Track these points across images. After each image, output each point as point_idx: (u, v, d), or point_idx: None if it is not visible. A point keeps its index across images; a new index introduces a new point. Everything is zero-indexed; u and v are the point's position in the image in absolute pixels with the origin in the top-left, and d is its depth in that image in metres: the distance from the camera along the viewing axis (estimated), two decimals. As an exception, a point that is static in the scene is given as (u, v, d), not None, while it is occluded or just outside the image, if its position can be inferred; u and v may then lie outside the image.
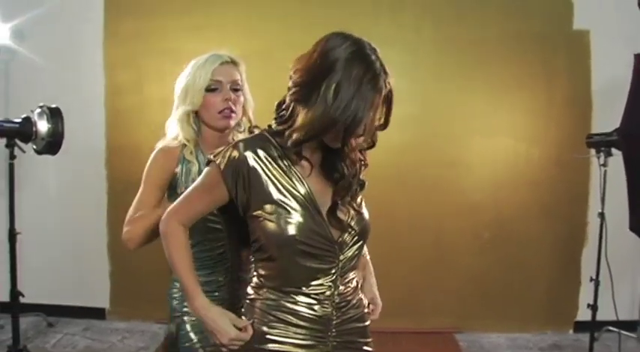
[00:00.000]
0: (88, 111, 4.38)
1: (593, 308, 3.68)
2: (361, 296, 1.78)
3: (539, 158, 4.45)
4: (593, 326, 3.71)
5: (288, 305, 1.62)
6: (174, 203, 1.71)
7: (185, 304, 2.03)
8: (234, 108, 2.08)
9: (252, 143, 1.61)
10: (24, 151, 3.24)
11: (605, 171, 3.66)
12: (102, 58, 4.43)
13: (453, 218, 4.47)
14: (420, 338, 4.31)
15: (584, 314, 4.15)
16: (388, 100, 1.56)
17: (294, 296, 1.62)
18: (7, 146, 3.19)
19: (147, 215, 2.01)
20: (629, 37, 4.21)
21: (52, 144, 3.14)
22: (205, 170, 1.65)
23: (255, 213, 1.59)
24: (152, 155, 2.11)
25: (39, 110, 3.14)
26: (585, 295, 4.25)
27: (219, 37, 4.35)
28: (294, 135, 1.53)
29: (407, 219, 4.39)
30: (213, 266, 2.13)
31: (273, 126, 1.64)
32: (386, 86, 1.52)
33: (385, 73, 1.51)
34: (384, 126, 1.59)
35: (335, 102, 1.45)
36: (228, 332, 1.59)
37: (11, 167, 3.27)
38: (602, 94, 4.36)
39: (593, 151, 3.77)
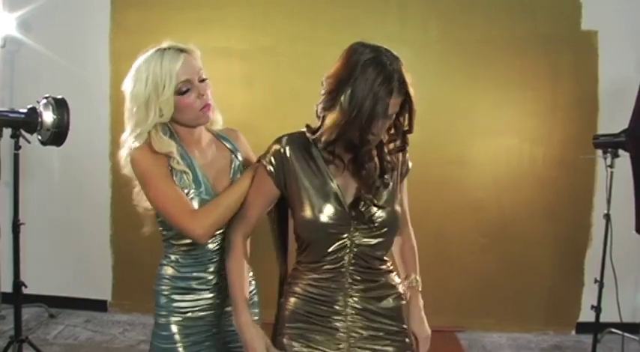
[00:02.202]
0: (93, 103, 4.38)
1: (597, 309, 3.67)
2: (395, 283, 1.91)
3: (543, 158, 4.44)
4: (596, 328, 3.70)
5: (313, 271, 1.83)
6: (237, 215, 1.88)
7: (174, 304, 2.00)
8: (209, 101, 1.95)
9: (292, 139, 1.81)
10: (29, 142, 3.24)
11: (612, 173, 3.65)
12: (107, 49, 4.43)
13: (456, 217, 4.47)
14: (422, 336, 4.28)
15: (586, 316, 4.16)
16: (409, 107, 1.68)
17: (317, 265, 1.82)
18: (12, 136, 3.18)
19: (219, 204, 1.87)
20: (637, 38, 4.20)
21: (58, 135, 3.14)
22: (255, 172, 1.86)
23: (291, 202, 1.81)
24: (136, 156, 1.89)
25: (44, 101, 3.13)
26: (588, 296, 4.25)
27: (225, 30, 4.37)
28: (323, 138, 1.71)
29: (410, 216, 4.38)
30: (207, 264, 2.04)
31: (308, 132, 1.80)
32: (400, 91, 1.62)
33: (402, 80, 1.62)
34: (410, 130, 1.75)
35: (351, 104, 1.60)
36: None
37: (16, 157, 3.27)
38: (609, 95, 4.34)
39: (599, 152, 3.76)
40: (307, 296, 1.82)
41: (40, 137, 3.19)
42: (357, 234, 1.76)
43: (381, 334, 1.82)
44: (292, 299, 1.86)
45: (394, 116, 1.69)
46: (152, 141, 1.89)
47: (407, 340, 1.88)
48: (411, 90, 1.64)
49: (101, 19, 4.42)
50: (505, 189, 4.47)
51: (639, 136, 3.32)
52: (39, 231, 4.28)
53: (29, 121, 3.12)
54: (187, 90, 1.89)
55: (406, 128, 1.75)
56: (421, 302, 1.94)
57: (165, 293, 2.02)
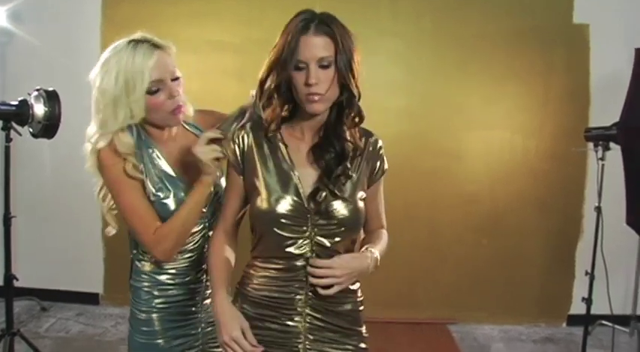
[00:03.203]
0: (84, 95, 4.33)
1: (588, 301, 3.69)
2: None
3: (535, 151, 4.46)
4: (587, 320, 3.72)
5: (269, 268, 1.74)
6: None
7: (155, 300, 1.98)
8: (181, 101, 1.88)
9: (258, 125, 1.74)
10: (20, 134, 3.22)
11: (603, 165, 3.66)
12: (99, 42, 4.39)
13: (449, 210, 4.48)
14: (414, 328, 4.31)
15: (577, 308, 4.18)
16: (342, 67, 1.62)
17: (272, 260, 1.73)
18: (3, 129, 3.17)
19: (174, 227, 1.87)
20: (628, 32, 4.21)
21: (49, 127, 3.11)
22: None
23: (248, 191, 1.74)
24: (104, 160, 1.87)
25: (36, 93, 3.11)
26: (579, 288, 4.27)
27: (218, 24, 4.35)
28: (261, 102, 1.70)
29: (402, 210, 4.39)
30: (186, 257, 2.02)
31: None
32: (320, 29, 1.62)
33: (322, 20, 1.64)
34: (348, 89, 1.65)
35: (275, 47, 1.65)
36: (231, 331, 1.61)
37: (7, 150, 3.25)
38: (600, 88, 4.36)
39: (590, 145, 3.77)
40: (262, 297, 1.73)
41: (31, 129, 3.17)
42: (315, 229, 1.67)
43: (336, 336, 1.75)
44: (244, 300, 1.77)
45: (329, 67, 1.61)
46: (115, 140, 1.85)
47: (362, 345, 1.80)
48: (336, 33, 1.62)
49: (92, 11, 4.39)
50: (497, 181, 4.48)
51: (630, 128, 3.33)
52: (30, 224, 4.26)
53: (20, 114, 3.10)
54: (158, 90, 1.83)
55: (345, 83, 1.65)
56: (370, 259, 1.71)
57: (146, 289, 2.00)
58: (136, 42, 1.83)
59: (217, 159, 1.81)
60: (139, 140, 1.92)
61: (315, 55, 1.59)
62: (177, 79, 1.87)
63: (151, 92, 1.81)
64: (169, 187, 1.92)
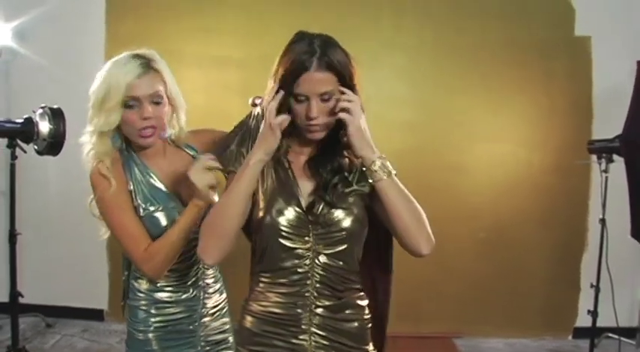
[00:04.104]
0: (89, 113, 4.37)
1: (594, 314, 3.68)
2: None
3: (539, 164, 4.46)
4: (593, 333, 3.71)
5: (273, 283, 1.71)
6: None
7: (152, 319, 1.98)
8: (155, 124, 1.88)
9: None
10: (25, 152, 3.24)
11: (607, 178, 3.66)
12: (103, 60, 4.41)
13: (453, 223, 4.46)
14: (420, 342, 4.30)
15: (583, 320, 4.16)
16: (340, 85, 1.61)
17: (276, 275, 1.70)
18: (8, 146, 3.18)
19: (164, 246, 1.86)
20: (630, 44, 4.23)
21: (54, 144, 3.12)
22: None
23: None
24: (94, 178, 1.95)
25: (40, 111, 3.12)
26: (584, 301, 4.26)
27: (221, 39, 4.38)
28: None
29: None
30: (185, 274, 2.02)
31: None
32: (321, 65, 1.58)
33: (323, 54, 1.58)
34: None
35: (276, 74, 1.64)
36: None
37: (12, 167, 3.27)
38: (603, 101, 4.37)
39: (594, 157, 3.77)
40: (267, 313, 1.71)
41: (36, 147, 3.18)
42: (318, 239, 1.67)
43: None
44: (250, 318, 1.74)
45: (330, 99, 1.60)
46: (96, 142, 1.91)
47: None
48: (338, 66, 1.59)
49: (96, 29, 4.42)
50: (501, 195, 4.48)
51: (632, 140, 3.34)
52: (35, 241, 4.27)
53: (25, 131, 3.11)
54: (133, 106, 1.85)
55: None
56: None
57: (144, 307, 2.00)
58: (134, 56, 1.88)
59: (212, 186, 1.81)
60: (124, 153, 1.96)
61: (317, 91, 1.59)
62: (158, 103, 1.88)
63: (126, 106, 1.84)
64: (159, 201, 1.93)
